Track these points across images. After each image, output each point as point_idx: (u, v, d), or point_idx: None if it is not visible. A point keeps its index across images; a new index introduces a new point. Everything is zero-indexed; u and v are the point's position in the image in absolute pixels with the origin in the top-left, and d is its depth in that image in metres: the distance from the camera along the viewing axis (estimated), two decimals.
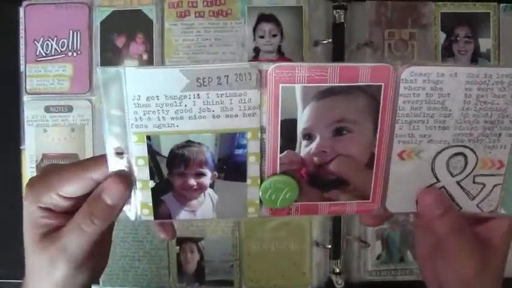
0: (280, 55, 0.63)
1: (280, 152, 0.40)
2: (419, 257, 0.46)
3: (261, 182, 0.41)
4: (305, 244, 0.53)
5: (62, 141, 0.61)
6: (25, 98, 0.62)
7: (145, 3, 0.59)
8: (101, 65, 0.59)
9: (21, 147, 0.61)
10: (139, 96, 0.37)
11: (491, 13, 0.63)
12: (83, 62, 0.59)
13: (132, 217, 0.42)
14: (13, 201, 0.59)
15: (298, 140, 0.40)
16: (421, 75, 0.38)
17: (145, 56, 0.61)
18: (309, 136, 0.40)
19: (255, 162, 0.40)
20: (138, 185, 0.41)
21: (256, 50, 0.64)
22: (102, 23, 0.58)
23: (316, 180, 0.41)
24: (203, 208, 0.42)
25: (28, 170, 0.60)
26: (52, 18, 0.60)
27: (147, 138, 0.39)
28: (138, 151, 0.39)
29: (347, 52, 0.65)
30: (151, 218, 0.42)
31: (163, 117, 0.38)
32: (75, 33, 0.59)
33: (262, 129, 0.39)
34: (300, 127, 0.39)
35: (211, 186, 0.41)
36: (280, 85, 0.38)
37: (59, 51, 0.59)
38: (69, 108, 0.61)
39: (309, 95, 0.38)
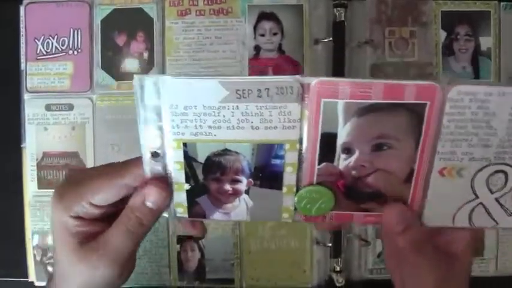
0: (281, 53, 0.62)
1: (318, 164, 0.39)
2: (388, 265, 0.46)
3: (297, 190, 0.41)
4: (305, 242, 0.54)
5: (63, 139, 0.61)
6: (26, 96, 0.61)
7: (146, 1, 0.58)
8: (101, 64, 0.58)
9: (21, 146, 0.61)
10: (176, 105, 0.37)
11: (491, 11, 0.61)
12: (84, 60, 0.58)
13: (166, 214, 0.43)
14: (14, 199, 0.58)
15: (337, 154, 0.39)
16: (468, 95, 0.36)
17: (145, 55, 0.60)
18: (348, 150, 0.39)
19: (291, 172, 0.40)
20: (174, 186, 0.41)
21: (257, 48, 0.63)
22: (103, 21, 0.57)
23: (353, 193, 0.41)
24: (237, 211, 0.42)
25: (29, 168, 0.60)
26: (53, 16, 0.58)
27: (183, 145, 0.38)
28: (175, 156, 0.39)
29: (347, 50, 0.63)
30: (186, 215, 0.42)
31: (200, 125, 0.37)
32: (75, 32, 0.58)
33: (300, 141, 0.38)
34: (340, 141, 0.38)
35: (247, 192, 0.41)
36: (322, 100, 0.36)
37: (60, 49, 0.58)
38: (70, 107, 0.61)
39: (350, 111, 0.37)
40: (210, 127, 0.37)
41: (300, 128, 0.38)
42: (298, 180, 0.40)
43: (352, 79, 0.36)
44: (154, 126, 0.38)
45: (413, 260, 0.42)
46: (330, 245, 0.54)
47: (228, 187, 0.41)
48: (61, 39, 0.58)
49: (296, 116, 0.37)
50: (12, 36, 0.59)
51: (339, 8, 0.62)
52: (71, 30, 0.58)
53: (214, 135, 0.38)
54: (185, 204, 0.42)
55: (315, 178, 0.40)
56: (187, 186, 0.41)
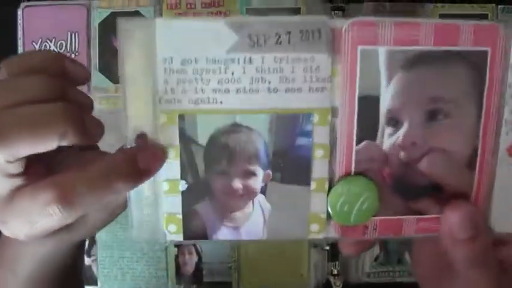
0: None
1: (357, 143, 0.30)
2: (421, 277, 0.37)
3: (330, 186, 0.30)
4: (303, 246, 0.53)
5: None
6: None
7: (144, 4, 0.57)
8: (99, 67, 0.56)
9: None
10: (171, 58, 0.28)
11: (489, 15, 0.59)
12: (81, 63, 0.56)
13: (152, 235, 0.31)
14: None
15: (380, 126, 0.30)
16: None
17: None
18: (394, 121, 0.30)
19: (322, 157, 0.30)
20: (164, 187, 0.30)
21: None
22: (100, 24, 0.56)
23: (401, 185, 0.31)
24: (250, 223, 0.31)
25: None
26: (50, 19, 0.57)
27: (179, 118, 0.29)
28: (167, 137, 0.29)
29: None
30: (180, 237, 0.31)
31: (202, 88, 0.29)
32: (73, 35, 0.57)
33: (333, 111, 0.29)
34: (384, 107, 0.29)
35: (263, 191, 0.30)
36: (359, 48, 0.29)
37: (57, 52, 0.55)
38: None
39: (396, 63, 0.29)
40: (214, 90, 0.29)
41: (331, 91, 0.29)
42: (331, 171, 0.30)
43: (395, 18, 0.29)
44: (144, 95, 0.29)
45: (473, 277, 0.31)
46: (328, 248, 0.53)
47: (237, 184, 0.30)
48: (59, 42, 0.57)
49: (326, 73, 0.29)
50: (10, 39, 0.58)
51: (336, 11, 0.59)
52: (69, 33, 0.57)
53: (220, 102, 0.29)
54: (179, 215, 0.31)
55: (352, 165, 0.30)
56: (183, 186, 0.30)
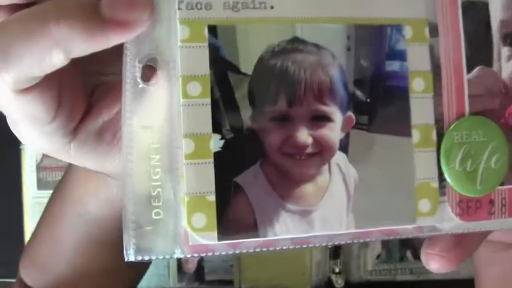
0: None
1: (468, 70, 0.20)
2: None
3: (439, 136, 0.20)
4: None
5: None
6: None
7: None
8: None
9: (20, 147, 0.58)
10: None
11: None
12: None
13: (163, 244, 0.18)
14: (13, 200, 0.58)
15: (495, 45, 0.21)
16: None
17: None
18: None
19: (424, 91, 0.20)
20: (185, 147, 0.18)
21: None
22: None
23: None
24: (327, 204, 0.19)
25: (28, 170, 0.58)
26: None
27: (209, 31, 0.18)
28: (190, 63, 0.18)
29: None
30: (213, 236, 0.18)
31: None
32: None
33: (431, 30, 0.20)
34: (496, 16, 0.21)
35: (343, 147, 0.19)
36: None
37: None
38: None
39: None
40: None
41: None
42: (437, 112, 0.20)
43: None
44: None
45: None
46: (330, 246, 0.51)
47: (304, 135, 0.19)
48: None
49: None
50: None
51: None
52: None
53: (271, 7, 0.19)
54: (212, 196, 0.18)
55: (466, 103, 0.20)
56: (217, 144, 0.18)
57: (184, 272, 0.53)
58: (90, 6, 0.17)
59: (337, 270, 0.53)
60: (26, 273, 0.32)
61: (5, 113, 0.20)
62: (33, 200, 0.60)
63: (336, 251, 0.53)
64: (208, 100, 0.18)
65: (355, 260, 0.54)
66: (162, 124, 0.18)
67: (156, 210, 0.18)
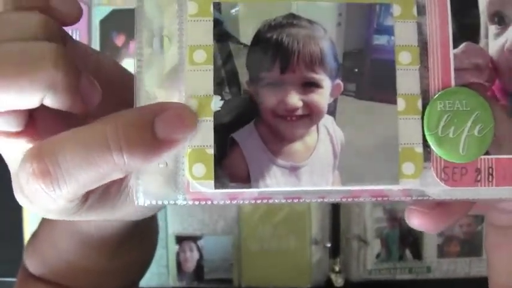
0: None
1: (454, 46, 0.22)
2: (495, 285, 0.29)
3: (424, 105, 0.22)
4: (305, 242, 0.53)
5: None
6: None
7: None
8: None
9: None
10: None
11: None
12: None
13: (167, 189, 0.21)
14: (12, 199, 0.55)
15: (482, 24, 0.22)
16: None
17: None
18: (499, 17, 0.22)
19: (410, 64, 0.22)
20: (190, 105, 0.21)
21: None
22: (102, 21, 0.55)
23: None
24: (315, 161, 0.21)
25: None
26: None
27: (214, 8, 0.21)
28: (197, 34, 0.21)
29: None
30: (210, 184, 0.21)
31: None
32: (74, 32, 0.55)
33: (419, 8, 0.22)
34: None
35: (331, 111, 0.21)
36: None
37: None
38: None
39: None
40: None
41: None
42: (423, 84, 0.22)
43: None
44: None
45: None
46: (329, 245, 0.53)
47: (294, 99, 0.21)
48: None
49: None
50: None
51: None
52: (70, 30, 0.54)
53: None
54: (211, 149, 0.21)
55: (451, 75, 0.22)
56: (217, 103, 0.21)
57: (184, 271, 0.54)
58: (148, 132, 0.19)
59: (336, 269, 0.53)
60: (29, 261, 0.32)
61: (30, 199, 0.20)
62: None
63: (335, 250, 0.53)
64: (211, 66, 0.21)
65: (354, 259, 0.54)
66: (170, 86, 0.21)
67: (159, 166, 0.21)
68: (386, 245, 0.53)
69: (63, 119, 0.20)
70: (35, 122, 0.20)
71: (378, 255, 0.53)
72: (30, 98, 0.18)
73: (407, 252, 0.53)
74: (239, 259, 0.53)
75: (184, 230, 0.53)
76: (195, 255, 0.53)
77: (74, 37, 0.54)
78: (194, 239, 0.54)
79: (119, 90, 0.23)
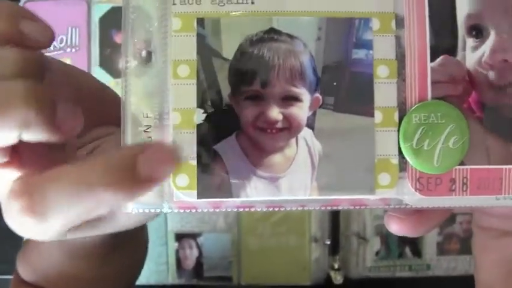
0: None
1: (432, 59, 0.23)
2: (484, 284, 0.29)
3: (401, 117, 0.22)
4: (304, 239, 0.53)
5: None
6: None
7: None
8: (99, 61, 0.54)
9: None
10: None
11: None
12: (82, 58, 0.57)
13: (153, 198, 0.22)
14: None
15: (459, 36, 0.23)
16: None
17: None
18: (477, 30, 0.23)
19: (388, 77, 0.22)
20: (174, 119, 0.22)
21: None
22: (101, 19, 0.55)
23: (496, 118, 0.23)
24: (294, 172, 0.22)
25: None
26: (50, 14, 0.52)
27: (198, 24, 0.22)
28: (180, 49, 0.22)
29: None
30: (192, 194, 0.22)
31: None
32: (73, 30, 0.55)
33: (398, 21, 0.23)
34: (462, 11, 0.23)
35: (310, 124, 0.22)
36: None
37: (58, 47, 0.56)
38: None
39: None
40: None
41: None
42: (400, 97, 0.23)
43: None
44: None
45: None
46: (329, 242, 0.53)
47: (274, 112, 0.22)
48: (59, 37, 0.55)
49: None
50: None
51: None
52: (69, 28, 0.56)
53: (252, 2, 0.22)
54: (194, 160, 0.22)
55: (428, 88, 0.22)
56: (200, 116, 0.22)
57: (183, 269, 0.53)
58: (130, 171, 0.19)
59: (336, 266, 0.53)
60: (21, 269, 0.32)
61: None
62: None
63: (335, 248, 0.53)
64: (195, 81, 0.22)
65: (354, 256, 0.54)
66: (155, 100, 0.22)
67: None
68: (385, 242, 0.53)
69: (48, 147, 0.21)
70: (18, 151, 0.21)
71: (377, 253, 0.53)
72: (6, 136, 0.19)
73: (407, 250, 0.53)
74: (238, 256, 0.53)
75: (184, 228, 0.53)
76: (195, 252, 0.53)
77: (73, 35, 0.56)
78: (193, 236, 0.53)
79: (100, 106, 0.23)
